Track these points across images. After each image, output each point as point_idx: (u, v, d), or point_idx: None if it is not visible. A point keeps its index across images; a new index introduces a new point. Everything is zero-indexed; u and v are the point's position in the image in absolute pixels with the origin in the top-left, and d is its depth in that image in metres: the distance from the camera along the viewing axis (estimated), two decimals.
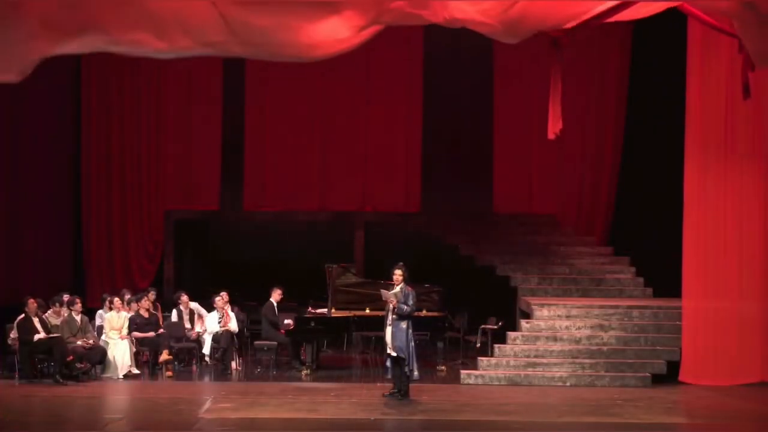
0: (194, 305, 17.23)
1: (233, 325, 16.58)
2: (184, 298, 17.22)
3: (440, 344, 16.60)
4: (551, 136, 14.28)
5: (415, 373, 13.98)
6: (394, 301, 13.84)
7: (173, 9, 11.40)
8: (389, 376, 14.06)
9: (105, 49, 12.02)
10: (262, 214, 20.55)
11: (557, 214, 20.16)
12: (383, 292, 14.03)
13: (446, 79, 20.75)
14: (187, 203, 20.35)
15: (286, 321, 16.47)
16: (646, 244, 19.18)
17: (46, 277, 19.62)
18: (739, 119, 15.54)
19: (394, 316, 13.92)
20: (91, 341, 15.53)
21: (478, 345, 17.00)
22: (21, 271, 19.65)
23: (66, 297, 16.08)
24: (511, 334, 16.18)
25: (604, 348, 15.80)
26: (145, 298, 16.53)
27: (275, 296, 16.69)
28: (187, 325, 17.03)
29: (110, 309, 16.21)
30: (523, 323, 16.33)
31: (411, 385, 14.06)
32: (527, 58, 19.54)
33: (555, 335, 16.02)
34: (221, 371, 16.28)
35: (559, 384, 15.21)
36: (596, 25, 14.06)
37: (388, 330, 13.97)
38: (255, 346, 16.64)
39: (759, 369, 15.55)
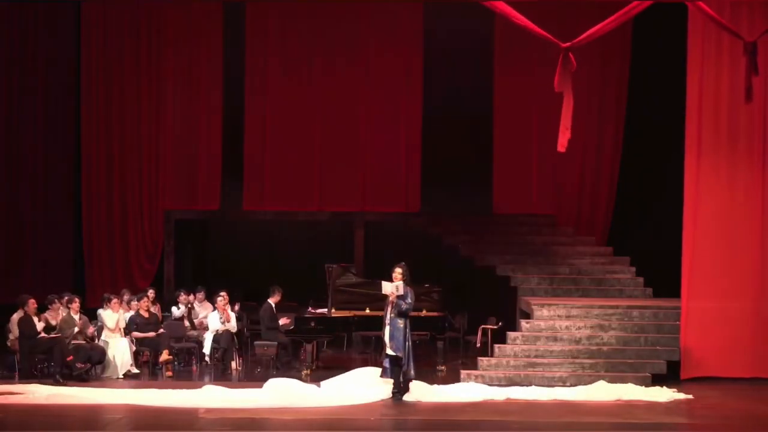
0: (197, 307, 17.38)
1: (233, 325, 16.61)
2: (183, 297, 17.28)
3: (440, 344, 16.59)
4: (561, 148, 14.33)
5: (411, 372, 14.00)
6: (395, 294, 13.85)
7: None
8: (389, 377, 14.06)
9: None
10: (262, 214, 20.54)
11: (557, 214, 20.16)
12: (384, 283, 14.03)
13: (446, 79, 20.80)
14: (187, 203, 20.34)
15: (282, 321, 16.48)
16: (646, 244, 19.19)
17: (46, 277, 19.64)
18: (740, 118, 15.57)
19: (392, 315, 13.95)
20: (91, 329, 15.56)
21: (479, 345, 17.01)
22: (21, 271, 19.66)
23: (66, 297, 16.09)
24: (511, 334, 16.18)
25: (604, 348, 15.80)
26: (145, 297, 16.54)
27: (274, 298, 16.69)
28: (187, 324, 17.10)
29: (107, 307, 16.19)
30: (523, 323, 16.32)
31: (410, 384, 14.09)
32: (528, 58, 19.57)
33: (555, 335, 16.02)
34: (221, 371, 16.29)
35: (559, 384, 15.20)
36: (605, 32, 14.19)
37: (387, 329, 13.99)
38: (255, 346, 16.63)
39: (759, 366, 15.62)
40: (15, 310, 15.65)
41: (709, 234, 15.78)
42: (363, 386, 14.19)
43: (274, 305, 16.66)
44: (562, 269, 18.55)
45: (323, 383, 14.43)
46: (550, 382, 15.21)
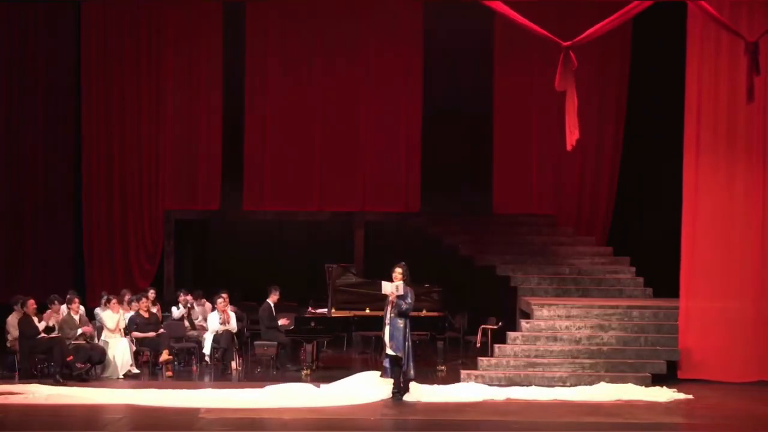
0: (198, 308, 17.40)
1: (233, 325, 16.61)
2: (182, 297, 17.29)
3: (440, 344, 16.59)
4: (569, 147, 14.33)
5: (411, 372, 14.01)
6: (394, 294, 13.84)
7: None
8: (389, 377, 14.06)
9: None
10: (262, 214, 20.54)
11: (557, 214, 20.16)
12: (384, 283, 14.01)
13: (446, 79, 20.80)
14: (187, 203, 20.33)
15: (281, 322, 16.50)
16: (646, 244, 19.20)
17: (46, 277, 19.64)
18: (739, 118, 15.56)
19: (392, 315, 13.94)
20: (89, 328, 15.60)
21: (478, 345, 17.02)
22: (21, 271, 19.66)
23: (67, 296, 16.09)
24: (511, 334, 16.18)
25: (604, 348, 15.80)
26: (145, 298, 16.53)
27: (273, 297, 16.71)
28: (187, 324, 17.11)
29: (106, 308, 16.19)
30: (523, 323, 16.32)
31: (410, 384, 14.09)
32: (528, 58, 19.58)
33: (555, 335, 16.02)
34: (221, 371, 16.29)
35: (559, 384, 15.20)
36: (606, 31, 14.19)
37: (387, 329, 13.99)
38: (255, 346, 16.63)
39: (759, 368, 15.60)
40: (12, 311, 15.64)
41: (709, 234, 15.78)
42: (363, 386, 14.19)
43: (273, 305, 16.68)
44: (562, 269, 18.55)
45: (323, 386, 14.42)
46: (550, 382, 15.21)
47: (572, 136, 14.25)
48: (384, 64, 20.06)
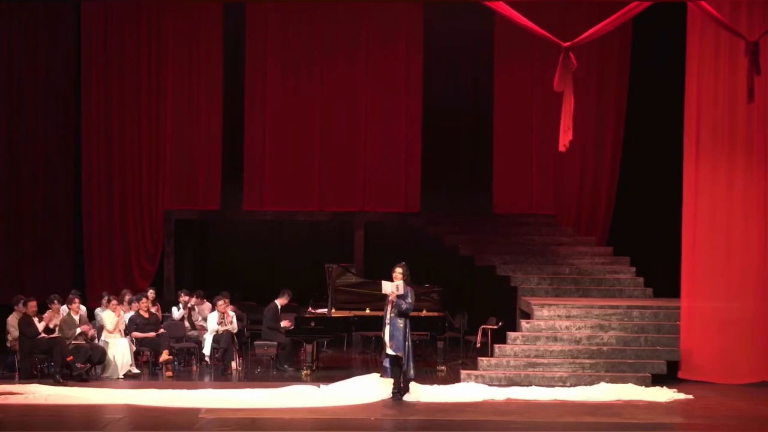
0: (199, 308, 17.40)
1: (233, 326, 16.61)
2: (184, 298, 17.28)
3: (440, 344, 16.59)
4: (562, 148, 14.35)
5: (411, 372, 14.01)
6: (395, 294, 13.84)
7: None
8: (389, 377, 14.06)
9: None
10: (262, 214, 20.55)
11: (557, 214, 20.16)
12: (384, 283, 14.00)
13: (446, 80, 20.82)
14: (187, 203, 20.34)
15: (283, 324, 16.50)
16: (646, 244, 19.20)
17: (46, 277, 19.64)
18: (739, 118, 15.56)
19: (392, 315, 13.94)
20: (92, 331, 15.59)
21: (478, 345, 17.02)
22: (21, 271, 19.67)
23: (69, 295, 16.09)
24: (511, 334, 16.18)
25: (604, 348, 15.80)
26: (145, 298, 16.54)
27: (282, 300, 16.72)
28: (187, 324, 17.11)
29: (107, 308, 16.19)
30: (523, 323, 16.32)
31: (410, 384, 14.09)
32: (528, 58, 19.59)
33: (555, 335, 16.02)
34: (221, 371, 16.29)
35: (559, 384, 15.20)
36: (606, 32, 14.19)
37: (387, 329, 13.99)
38: (255, 346, 16.63)
39: (760, 369, 15.59)
40: (12, 311, 15.65)
41: (709, 234, 15.77)
42: (363, 387, 14.19)
43: (280, 307, 16.68)
44: (562, 269, 18.55)
45: (323, 387, 14.42)
46: (550, 382, 15.21)
47: (566, 136, 14.29)
48: (384, 64, 20.07)
